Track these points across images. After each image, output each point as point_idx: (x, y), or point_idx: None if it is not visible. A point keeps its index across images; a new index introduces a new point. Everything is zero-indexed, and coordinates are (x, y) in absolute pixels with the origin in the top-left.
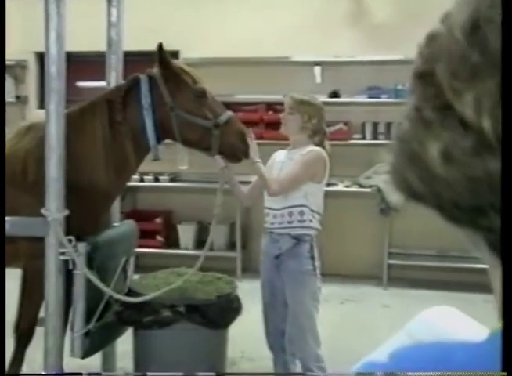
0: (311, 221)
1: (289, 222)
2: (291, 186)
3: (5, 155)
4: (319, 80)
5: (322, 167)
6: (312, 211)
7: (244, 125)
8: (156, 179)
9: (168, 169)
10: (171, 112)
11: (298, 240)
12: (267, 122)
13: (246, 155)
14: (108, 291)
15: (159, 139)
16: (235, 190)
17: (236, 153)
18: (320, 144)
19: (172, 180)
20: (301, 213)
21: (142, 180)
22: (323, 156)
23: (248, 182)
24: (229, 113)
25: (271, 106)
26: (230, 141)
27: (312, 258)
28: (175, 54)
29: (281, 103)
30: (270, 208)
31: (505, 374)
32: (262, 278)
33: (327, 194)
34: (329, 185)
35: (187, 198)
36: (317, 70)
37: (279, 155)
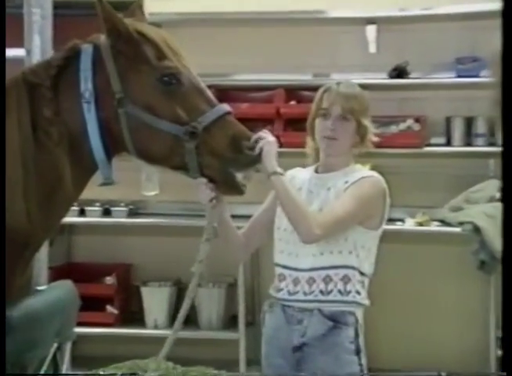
0: (358, 292)
1: (323, 293)
2: (336, 230)
3: (5, 155)
4: (373, 48)
5: (382, 204)
6: (362, 274)
7: (248, 126)
8: (107, 212)
9: (126, 196)
10: (119, 108)
11: (336, 321)
12: (287, 118)
13: (254, 163)
14: None
15: (109, 151)
16: (223, 232)
17: (227, 178)
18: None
19: (132, 214)
20: (345, 279)
21: (82, 214)
22: (383, 187)
23: (244, 218)
24: (221, 108)
25: (293, 92)
26: (216, 158)
27: (358, 351)
28: (138, 7)
29: (309, 88)
30: (288, 267)
31: (505, 374)
32: None
33: (386, 237)
34: (389, 221)
35: (156, 243)
36: (370, 32)
37: (301, 177)
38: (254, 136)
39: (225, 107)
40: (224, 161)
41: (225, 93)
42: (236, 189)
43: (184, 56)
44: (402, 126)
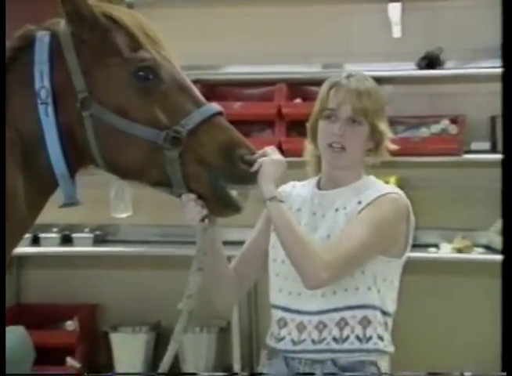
0: (381, 337)
1: (337, 340)
2: (348, 269)
3: (5, 154)
4: (397, 32)
5: (405, 227)
6: (385, 313)
7: (243, 130)
8: (67, 240)
9: (92, 220)
10: (84, 110)
11: (354, 371)
12: (291, 120)
13: (247, 181)
14: None
15: (72, 163)
16: (213, 265)
17: (220, 192)
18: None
19: (99, 241)
20: (364, 322)
21: (36, 242)
22: (405, 204)
23: (238, 244)
24: (210, 108)
25: (297, 87)
26: (205, 168)
27: None
28: None
29: (318, 83)
30: (289, 310)
31: (505, 373)
32: None
33: (416, 267)
34: (420, 247)
35: (129, 277)
36: (394, 11)
37: (299, 194)
38: (259, 152)
39: (215, 107)
40: (214, 172)
41: (213, 90)
42: (231, 206)
43: (164, 45)
44: (435, 128)
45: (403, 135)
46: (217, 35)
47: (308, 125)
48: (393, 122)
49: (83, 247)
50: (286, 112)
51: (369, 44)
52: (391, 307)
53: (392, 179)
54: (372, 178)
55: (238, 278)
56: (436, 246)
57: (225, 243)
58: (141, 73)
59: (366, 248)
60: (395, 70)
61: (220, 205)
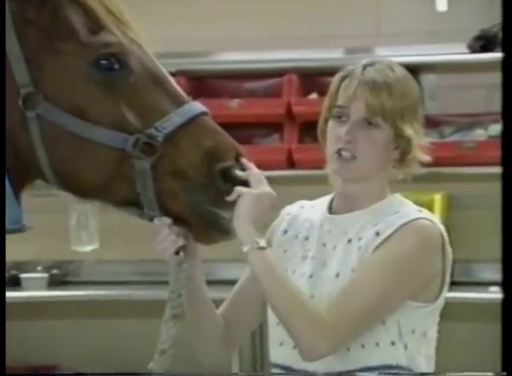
0: None
1: None
2: (358, 332)
3: (5, 154)
4: (442, 5)
5: (439, 263)
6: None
7: (241, 135)
8: (13, 282)
9: (46, 255)
10: (28, 109)
11: None
12: (304, 121)
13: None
14: None
15: (15, 179)
16: (194, 310)
17: (205, 214)
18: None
19: (55, 283)
20: None
21: None
22: (438, 233)
23: (229, 283)
24: (192, 107)
25: (312, 79)
26: (186, 183)
27: None
28: None
29: (331, 72)
30: (293, 369)
31: (505, 373)
32: None
33: (465, 311)
34: (470, 286)
35: (94, 329)
36: None
37: (307, 219)
38: (247, 168)
39: (198, 106)
40: (194, 188)
41: (202, 83)
42: (217, 229)
43: (133, 24)
44: (494, 130)
45: (452, 138)
46: (206, 14)
47: (319, 129)
48: (438, 122)
49: (35, 290)
50: (297, 111)
51: (405, 21)
52: (424, 366)
53: (437, 198)
54: (397, 197)
55: (228, 328)
56: (494, 284)
57: (215, 282)
58: (103, 62)
59: (383, 303)
60: (440, 54)
61: (203, 228)
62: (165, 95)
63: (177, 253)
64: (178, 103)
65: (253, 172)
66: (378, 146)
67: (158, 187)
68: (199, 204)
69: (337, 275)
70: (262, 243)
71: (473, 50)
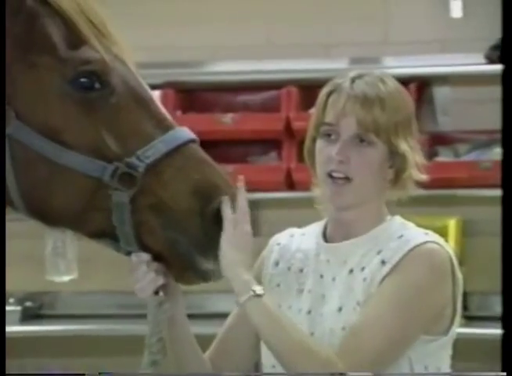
0: None
1: None
2: (374, 370)
3: (5, 155)
4: (457, 11)
5: (450, 290)
6: None
7: (236, 153)
8: None
9: (20, 285)
10: None
11: None
12: (303, 138)
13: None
14: None
15: None
16: (178, 353)
17: (186, 253)
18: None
19: (29, 317)
20: None
21: None
22: (447, 257)
23: (222, 317)
24: (179, 133)
25: (313, 92)
26: (168, 220)
27: None
28: None
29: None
30: None
31: (505, 373)
32: None
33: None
34: (470, 320)
35: (75, 367)
36: None
37: (299, 249)
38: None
39: (185, 132)
40: (176, 226)
41: (193, 96)
42: (197, 271)
43: (117, 37)
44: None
45: (467, 157)
46: (197, 20)
47: (305, 149)
48: (452, 140)
49: (6, 325)
50: (297, 127)
51: (416, 28)
52: None
53: (451, 223)
54: (397, 220)
55: (217, 371)
56: None
57: (206, 316)
58: (83, 79)
59: (397, 342)
60: (454, 64)
61: (181, 269)
62: (149, 118)
63: (156, 292)
64: (164, 128)
65: (241, 208)
66: (373, 166)
67: (136, 221)
68: (179, 243)
69: (340, 309)
70: (259, 290)
71: (490, 60)
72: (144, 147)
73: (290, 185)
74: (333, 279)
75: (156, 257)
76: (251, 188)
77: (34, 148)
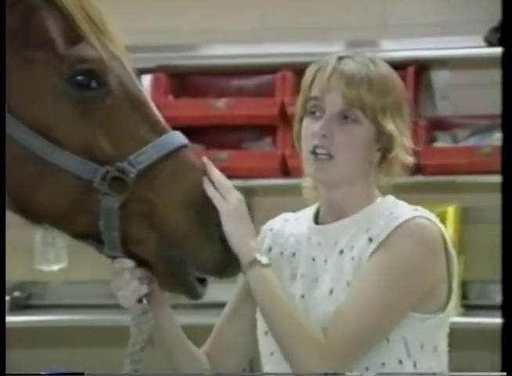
0: None
1: None
2: (360, 351)
3: (5, 156)
4: None
5: (443, 266)
6: None
7: (231, 138)
8: None
9: (8, 275)
10: None
11: None
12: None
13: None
14: None
15: None
16: (170, 354)
17: (168, 263)
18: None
19: (18, 307)
20: None
21: None
22: (437, 232)
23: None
24: (172, 137)
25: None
26: (157, 229)
27: None
28: None
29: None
30: None
31: (505, 373)
32: None
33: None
34: (469, 309)
35: (65, 358)
36: None
37: (292, 233)
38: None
39: (179, 137)
40: (168, 238)
41: (185, 81)
42: (185, 287)
43: (115, 35)
44: None
45: (466, 143)
46: (189, 3)
47: (294, 130)
48: (451, 125)
49: None
50: (292, 112)
51: (414, 11)
52: None
53: (450, 210)
54: (389, 199)
55: (215, 367)
56: None
57: (207, 305)
58: (79, 78)
59: (383, 318)
60: (453, 47)
61: (170, 283)
62: (144, 121)
63: (140, 300)
64: (158, 131)
65: (218, 182)
66: (357, 144)
67: (124, 228)
68: (171, 257)
69: (331, 291)
70: (264, 260)
71: (490, 43)
72: (136, 152)
73: (285, 171)
74: (325, 261)
75: (140, 262)
76: (246, 174)
77: (25, 144)
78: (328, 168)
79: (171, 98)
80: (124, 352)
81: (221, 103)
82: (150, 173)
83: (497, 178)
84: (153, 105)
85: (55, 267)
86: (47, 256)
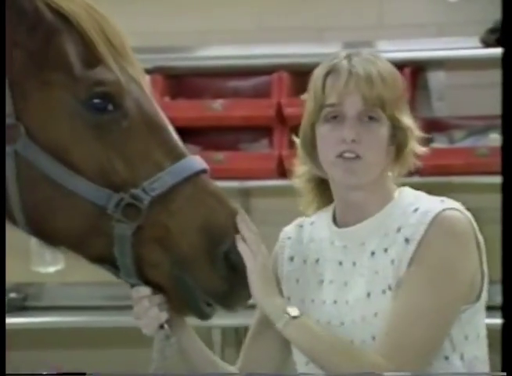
0: None
1: None
2: (424, 362)
3: (5, 156)
4: None
5: (476, 257)
6: None
7: (228, 140)
8: None
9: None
10: (8, 143)
11: None
12: (295, 125)
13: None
14: None
15: None
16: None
17: (181, 287)
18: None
19: (15, 308)
20: None
21: None
22: (468, 222)
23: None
24: (190, 163)
25: (305, 77)
26: (172, 257)
27: None
28: None
29: None
30: None
31: (505, 373)
32: None
33: None
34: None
35: (62, 359)
36: None
37: (312, 238)
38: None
39: (197, 162)
40: (182, 264)
41: (182, 82)
42: (195, 310)
43: (134, 58)
44: None
45: (463, 144)
46: (186, 4)
47: (301, 135)
48: (447, 126)
49: None
50: (289, 113)
51: (411, 12)
52: (482, 365)
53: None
54: (407, 191)
55: None
56: None
57: None
58: (96, 100)
59: (442, 325)
60: (450, 48)
61: (183, 307)
62: (160, 146)
63: (161, 326)
64: (175, 156)
65: (249, 238)
66: (382, 142)
67: (138, 254)
68: (183, 281)
69: (368, 295)
70: (294, 312)
71: (487, 44)
72: (151, 178)
73: (282, 172)
74: (354, 264)
75: (156, 287)
76: (242, 175)
77: (41, 168)
78: (358, 170)
79: (167, 99)
80: (121, 353)
81: (218, 104)
82: (164, 199)
83: (494, 179)
84: (171, 128)
85: (52, 269)
86: (43, 258)
